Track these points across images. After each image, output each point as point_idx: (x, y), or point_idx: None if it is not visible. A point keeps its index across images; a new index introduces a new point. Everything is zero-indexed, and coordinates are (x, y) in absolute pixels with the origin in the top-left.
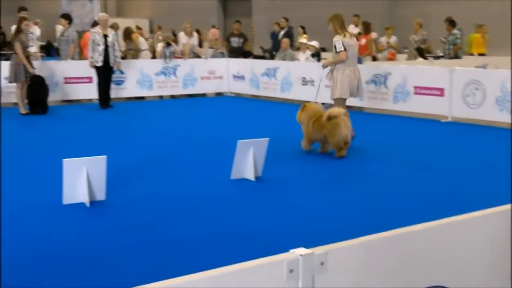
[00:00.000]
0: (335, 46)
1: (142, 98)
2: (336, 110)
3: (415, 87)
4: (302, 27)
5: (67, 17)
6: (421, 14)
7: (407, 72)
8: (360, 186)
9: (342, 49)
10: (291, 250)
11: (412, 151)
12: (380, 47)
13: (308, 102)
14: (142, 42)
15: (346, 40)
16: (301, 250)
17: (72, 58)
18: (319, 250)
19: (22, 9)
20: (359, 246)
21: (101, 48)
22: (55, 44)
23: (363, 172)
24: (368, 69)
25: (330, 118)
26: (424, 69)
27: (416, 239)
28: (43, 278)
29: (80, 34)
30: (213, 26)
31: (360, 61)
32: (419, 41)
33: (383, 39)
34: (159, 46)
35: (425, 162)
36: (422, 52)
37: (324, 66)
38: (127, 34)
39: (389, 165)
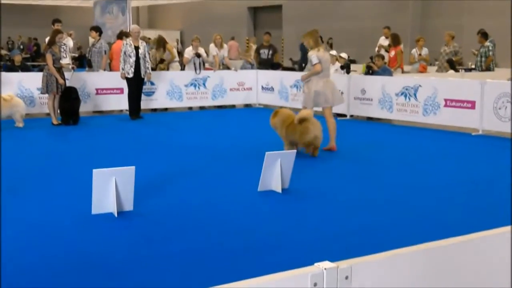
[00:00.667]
0: (310, 60)
1: (166, 109)
2: (305, 112)
3: (446, 100)
4: (330, 40)
5: (97, 29)
6: (452, 26)
7: (438, 84)
8: (388, 199)
9: (317, 62)
10: (316, 264)
11: (442, 164)
12: (412, 59)
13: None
14: (175, 54)
15: (320, 54)
16: (326, 264)
17: (104, 69)
18: (343, 264)
19: (57, 21)
20: (384, 261)
21: (132, 60)
22: (87, 55)
23: (391, 185)
24: (398, 81)
25: (301, 121)
26: (455, 81)
27: (442, 254)
28: (71, 286)
29: (111, 45)
30: (232, 38)
31: (390, 73)
32: (451, 53)
33: (414, 51)
34: (188, 53)
35: (456, 176)
36: (453, 64)
37: (303, 79)
38: (161, 43)
39: (418, 177)
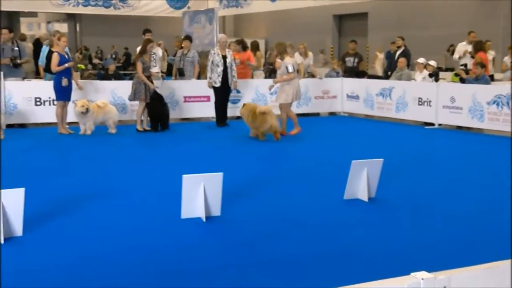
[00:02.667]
0: (287, 67)
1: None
2: (264, 107)
3: None
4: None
5: (190, 38)
6: None
7: None
8: (482, 210)
9: (292, 71)
10: (412, 274)
11: None
12: (504, 67)
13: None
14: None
15: (292, 61)
16: (423, 274)
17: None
18: (441, 274)
19: (147, 31)
20: (484, 273)
21: (220, 69)
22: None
23: (483, 198)
24: (489, 89)
25: (261, 113)
26: None
27: None
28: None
29: (201, 54)
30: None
31: (487, 82)
32: None
33: (507, 59)
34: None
35: None
36: None
37: (275, 82)
38: (254, 48)
39: None
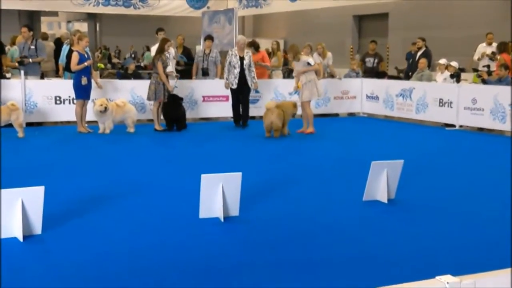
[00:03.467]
0: (308, 63)
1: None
2: (268, 103)
3: None
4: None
5: (212, 38)
6: None
7: None
8: (504, 212)
9: (314, 63)
10: (437, 277)
11: None
12: None
13: None
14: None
15: (309, 57)
16: (448, 278)
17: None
18: (467, 278)
19: (160, 29)
20: (508, 277)
21: (236, 71)
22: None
23: (507, 198)
24: (510, 91)
25: (266, 108)
26: None
27: None
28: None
29: (220, 54)
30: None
31: (509, 84)
32: None
33: None
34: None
35: None
36: None
37: (300, 73)
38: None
39: None
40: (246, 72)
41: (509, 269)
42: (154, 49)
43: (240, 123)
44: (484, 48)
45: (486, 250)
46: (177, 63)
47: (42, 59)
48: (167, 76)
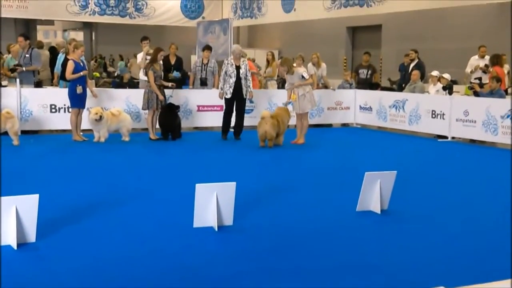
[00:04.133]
0: (302, 76)
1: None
2: (263, 113)
3: None
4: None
5: (211, 48)
6: None
7: None
8: (496, 224)
9: (309, 76)
10: None
11: None
12: None
13: None
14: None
15: (302, 69)
16: None
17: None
18: None
19: (144, 38)
20: None
21: (232, 80)
22: (189, 73)
23: (496, 211)
24: (504, 103)
25: (261, 118)
26: None
27: None
28: None
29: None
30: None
31: (502, 96)
32: None
33: None
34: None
35: None
36: None
37: (296, 86)
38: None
39: None
40: (243, 81)
41: (506, 281)
42: (140, 56)
43: (227, 137)
44: (476, 61)
45: (480, 261)
46: (172, 80)
47: (36, 68)
48: (160, 86)
